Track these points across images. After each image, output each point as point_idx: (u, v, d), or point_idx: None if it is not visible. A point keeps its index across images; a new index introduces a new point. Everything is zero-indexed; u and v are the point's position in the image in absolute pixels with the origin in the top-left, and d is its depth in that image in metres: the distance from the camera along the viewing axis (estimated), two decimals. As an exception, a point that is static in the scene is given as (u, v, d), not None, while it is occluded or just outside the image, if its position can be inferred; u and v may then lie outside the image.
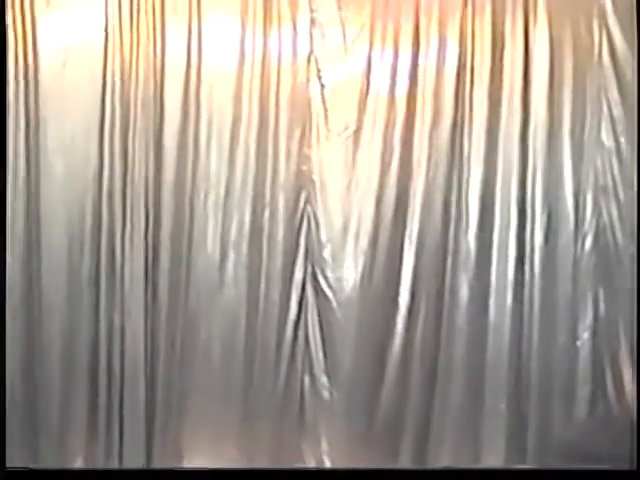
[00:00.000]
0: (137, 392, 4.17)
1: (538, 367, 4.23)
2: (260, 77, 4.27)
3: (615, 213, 4.18)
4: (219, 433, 4.29)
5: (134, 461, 4.12)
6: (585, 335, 4.23)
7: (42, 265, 4.13)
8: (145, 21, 4.22)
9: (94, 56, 4.19)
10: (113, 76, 4.18)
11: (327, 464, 4.26)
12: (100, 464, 4.09)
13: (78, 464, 4.07)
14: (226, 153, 4.30)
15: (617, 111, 4.12)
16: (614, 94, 4.11)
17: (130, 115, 4.21)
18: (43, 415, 4.13)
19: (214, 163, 4.30)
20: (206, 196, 4.30)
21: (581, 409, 4.24)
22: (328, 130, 4.31)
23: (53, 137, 4.14)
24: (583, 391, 4.25)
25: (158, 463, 4.17)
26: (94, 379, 4.15)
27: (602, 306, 4.24)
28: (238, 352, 4.30)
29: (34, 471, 3.64)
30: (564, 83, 4.18)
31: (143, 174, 4.22)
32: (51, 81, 4.13)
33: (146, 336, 4.21)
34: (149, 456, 4.16)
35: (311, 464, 4.27)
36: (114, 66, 4.19)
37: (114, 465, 4.09)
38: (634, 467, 2.94)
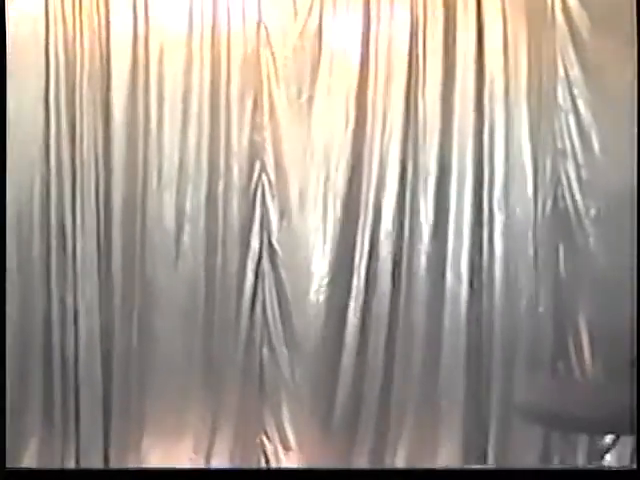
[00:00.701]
0: (93, 372, 4.15)
1: (500, 333, 4.19)
2: (210, 46, 4.20)
3: (574, 176, 4.11)
4: (180, 405, 4.28)
5: (92, 439, 4.11)
6: (546, 299, 4.19)
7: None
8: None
9: (35, 25, 4.09)
10: (56, 48, 4.09)
11: (289, 433, 4.26)
12: (56, 444, 4.08)
13: (33, 445, 4.05)
14: (178, 124, 4.24)
15: (574, 72, 4.02)
16: (570, 55, 4.02)
17: (76, 88, 4.14)
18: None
19: (166, 134, 4.25)
20: (159, 168, 4.25)
21: (543, 373, 4.22)
22: (281, 98, 4.22)
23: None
24: (545, 355, 4.22)
25: (117, 440, 4.16)
26: (48, 361, 4.11)
27: (562, 269, 4.20)
28: (197, 324, 4.28)
29: (34, 471, 3.64)
30: (519, 46, 4.08)
31: (92, 148, 4.16)
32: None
33: (101, 313, 4.17)
34: (107, 433, 4.15)
35: (273, 434, 4.28)
36: (57, 38, 4.10)
37: (70, 442, 4.08)
38: (634, 466, 2.90)
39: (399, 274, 4.21)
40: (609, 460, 4.06)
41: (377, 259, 4.22)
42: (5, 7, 3.68)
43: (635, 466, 2.82)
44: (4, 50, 3.64)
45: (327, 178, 4.23)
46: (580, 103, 4.04)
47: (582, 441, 4.11)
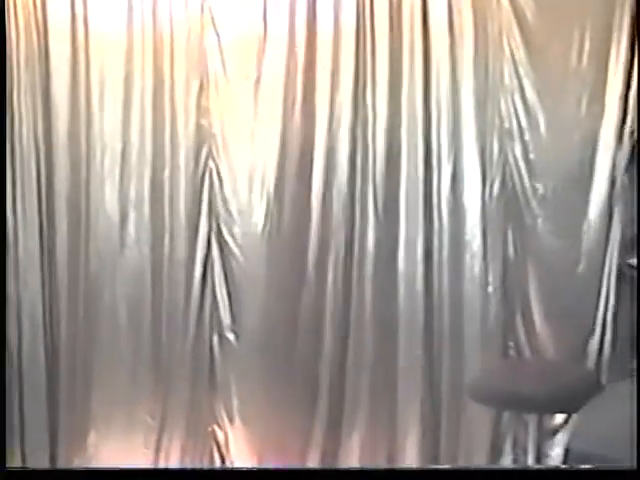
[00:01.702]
0: (37, 365, 4.06)
1: (450, 315, 4.18)
2: (152, 28, 4.11)
3: (521, 156, 4.11)
4: (130, 398, 4.21)
5: (38, 436, 4.01)
6: (496, 280, 4.20)
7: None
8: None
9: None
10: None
11: (238, 423, 4.21)
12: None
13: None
14: (120, 109, 4.16)
15: (519, 53, 4.02)
16: (515, 36, 4.00)
17: (14, 76, 4.02)
18: None
19: (108, 120, 4.16)
20: (102, 155, 4.17)
21: (493, 355, 4.22)
22: (227, 81, 4.16)
23: None
24: (495, 337, 4.23)
25: (64, 436, 4.06)
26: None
27: (511, 250, 4.21)
28: (145, 315, 4.22)
29: (34, 471, 3.52)
30: (464, 28, 4.03)
31: (32, 134, 4.08)
32: None
33: (44, 305, 4.08)
34: (53, 429, 4.05)
35: (224, 423, 4.22)
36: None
37: (15, 439, 3.96)
38: (634, 466, 2.90)
39: (351, 258, 4.17)
40: (560, 439, 4.12)
41: (328, 243, 4.17)
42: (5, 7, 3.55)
43: (635, 466, 2.84)
44: (4, 50, 3.55)
45: (276, 162, 4.17)
46: (526, 83, 4.04)
47: (533, 421, 4.13)
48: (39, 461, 4.01)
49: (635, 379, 3.45)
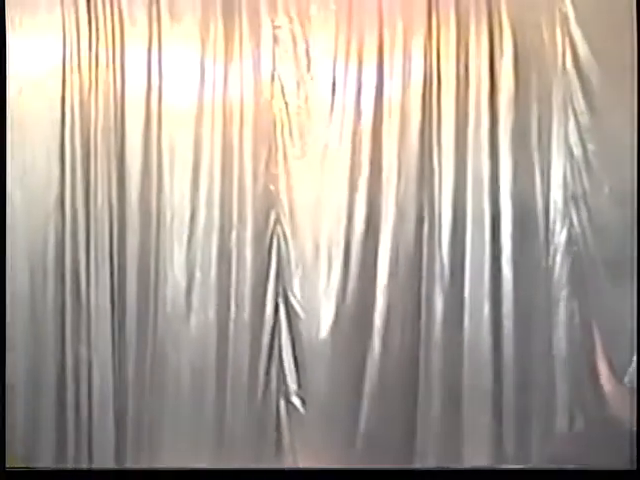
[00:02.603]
0: (106, 426, 4.06)
1: (516, 380, 4.15)
2: (222, 96, 4.21)
3: (586, 221, 4.15)
4: (193, 462, 4.15)
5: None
6: (561, 344, 4.18)
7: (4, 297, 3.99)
8: (104, 47, 4.17)
9: (51, 84, 4.12)
10: (72, 104, 4.12)
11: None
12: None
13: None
14: (190, 175, 4.23)
15: (584, 119, 4.10)
16: (580, 102, 4.09)
17: (91, 143, 4.14)
18: (9, 452, 3.97)
19: (178, 186, 4.23)
20: (171, 220, 4.22)
21: (562, 420, 4.18)
22: (294, 148, 4.24)
23: (13, 166, 4.03)
24: (563, 402, 4.18)
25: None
26: (62, 415, 4.03)
27: (577, 316, 4.19)
28: (210, 380, 4.20)
29: (34, 471, 3.51)
30: (530, 93, 4.14)
31: (106, 201, 4.15)
32: (7, 110, 4.01)
33: (114, 368, 4.11)
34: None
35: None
36: (72, 93, 4.12)
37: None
38: (634, 467, 2.88)
39: (418, 323, 4.18)
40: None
41: (396, 309, 4.19)
42: (5, 8, 3.70)
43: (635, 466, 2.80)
44: (4, 50, 3.67)
45: (343, 228, 4.22)
46: (590, 148, 4.10)
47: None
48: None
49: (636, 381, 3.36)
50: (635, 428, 2.68)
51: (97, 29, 4.16)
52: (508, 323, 4.15)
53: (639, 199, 3.92)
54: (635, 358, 3.78)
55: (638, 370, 3.50)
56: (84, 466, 4.01)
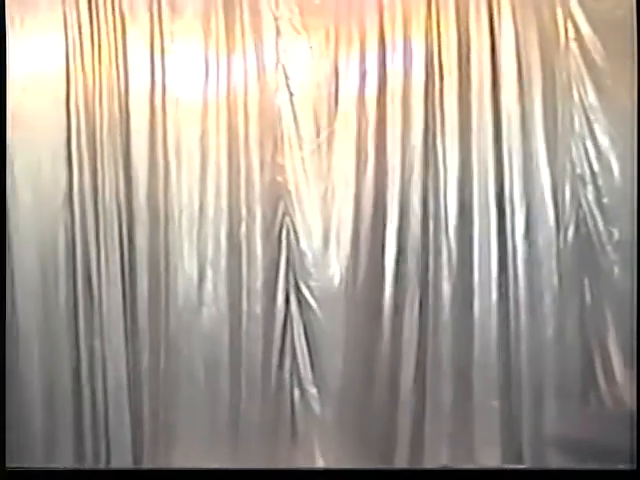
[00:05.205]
0: (122, 418, 4.11)
1: (527, 362, 4.15)
2: (227, 89, 4.23)
3: (594, 201, 4.14)
4: (209, 454, 4.19)
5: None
6: (573, 327, 4.18)
7: (17, 295, 4.04)
8: (107, 44, 4.21)
9: (56, 81, 4.15)
10: (77, 101, 4.15)
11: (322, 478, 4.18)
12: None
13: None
14: (197, 169, 4.25)
15: (589, 98, 4.09)
16: (585, 82, 4.08)
17: (97, 139, 4.17)
18: (26, 446, 4.02)
19: (185, 180, 4.26)
20: (180, 214, 4.25)
21: (573, 403, 4.18)
22: (300, 138, 4.25)
23: (19, 166, 4.06)
24: (574, 384, 4.19)
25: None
26: (78, 407, 4.09)
27: (588, 296, 4.19)
28: (223, 371, 4.23)
29: (34, 471, 3.57)
30: (533, 75, 4.13)
31: (114, 197, 4.19)
32: (13, 108, 4.04)
33: (128, 361, 4.15)
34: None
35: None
36: (77, 91, 4.16)
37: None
38: (634, 466, 2.87)
39: (426, 307, 4.19)
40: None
41: (404, 295, 4.20)
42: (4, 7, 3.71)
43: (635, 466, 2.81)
44: (4, 50, 3.69)
45: (351, 216, 4.23)
46: (596, 128, 4.09)
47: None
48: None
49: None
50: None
51: (99, 26, 4.19)
52: (517, 308, 4.15)
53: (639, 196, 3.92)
54: None
55: (638, 371, 3.51)
56: (102, 461, 4.07)
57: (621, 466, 3.81)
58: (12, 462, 3.75)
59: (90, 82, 4.14)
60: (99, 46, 4.18)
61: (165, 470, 3.92)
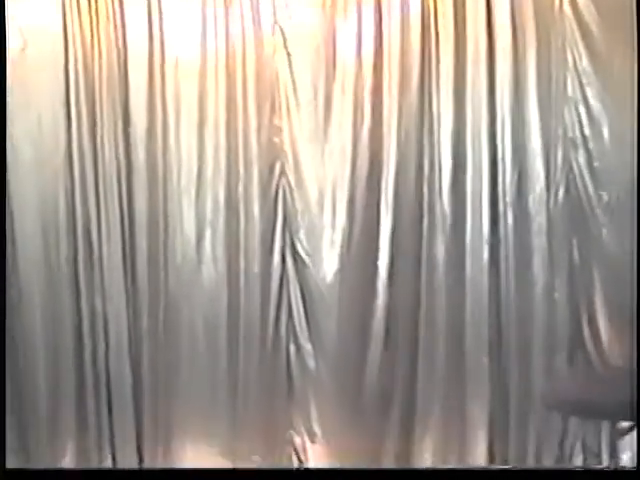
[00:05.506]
0: (123, 375, 4.22)
1: (516, 320, 4.25)
2: (225, 50, 4.25)
3: (585, 165, 4.20)
4: (208, 410, 4.32)
5: (125, 442, 4.15)
6: (562, 287, 4.27)
7: (17, 254, 4.11)
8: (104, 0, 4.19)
9: (54, 39, 4.16)
10: (75, 58, 4.17)
11: (317, 432, 4.32)
12: (91, 447, 4.15)
13: (68, 452, 4.10)
14: (195, 129, 4.30)
15: (583, 63, 4.12)
16: (579, 46, 4.10)
17: (96, 96, 4.21)
18: (30, 404, 4.12)
19: (184, 140, 4.30)
20: (179, 174, 4.31)
21: (560, 360, 4.29)
22: (297, 100, 4.29)
23: (19, 124, 4.09)
24: (562, 343, 4.29)
25: (148, 444, 4.21)
26: (80, 366, 4.18)
27: (576, 256, 4.28)
28: (222, 328, 4.33)
29: (34, 471, 3.69)
30: (527, 37, 4.14)
31: (114, 155, 4.23)
32: (11, 67, 4.05)
33: (129, 319, 4.24)
34: (139, 436, 4.20)
35: (302, 433, 4.33)
36: (75, 48, 4.18)
37: (105, 449, 4.14)
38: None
39: (420, 268, 4.27)
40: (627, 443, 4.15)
41: (399, 255, 4.29)
42: (5, 7, 3.72)
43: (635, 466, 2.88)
44: (4, 50, 3.72)
45: (347, 177, 4.29)
46: (589, 92, 4.14)
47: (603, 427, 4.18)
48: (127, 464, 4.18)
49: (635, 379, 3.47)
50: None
51: (96, -18, 4.17)
52: (508, 267, 4.24)
53: (639, 196, 3.97)
54: None
55: (638, 366, 3.58)
56: (104, 413, 4.17)
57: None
58: (12, 415, 3.87)
59: (88, 38, 4.16)
60: (96, 2, 4.19)
61: (166, 470, 4.04)
